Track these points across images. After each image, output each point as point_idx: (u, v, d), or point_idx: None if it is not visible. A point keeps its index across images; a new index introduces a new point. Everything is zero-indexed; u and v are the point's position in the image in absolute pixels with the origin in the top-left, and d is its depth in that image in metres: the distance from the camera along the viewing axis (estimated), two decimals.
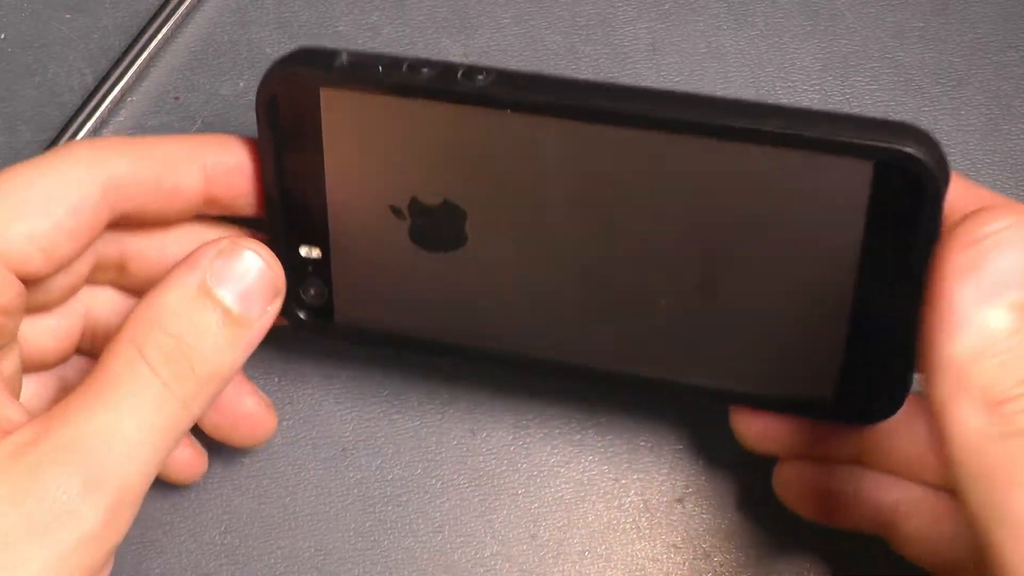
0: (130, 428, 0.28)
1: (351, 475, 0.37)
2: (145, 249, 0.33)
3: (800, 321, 0.31)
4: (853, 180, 0.29)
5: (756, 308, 0.31)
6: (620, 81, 0.37)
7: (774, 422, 0.33)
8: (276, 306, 0.31)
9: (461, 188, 0.32)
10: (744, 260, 0.31)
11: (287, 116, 0.32)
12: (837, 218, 0.29)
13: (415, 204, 0.32)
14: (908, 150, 0.28)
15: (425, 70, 0.30)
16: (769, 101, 0.31)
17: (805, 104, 0.39)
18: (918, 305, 0.28)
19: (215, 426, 0.35)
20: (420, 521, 0.37)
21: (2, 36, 0.41)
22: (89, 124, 0.39)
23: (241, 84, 0.40)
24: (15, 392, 0.32)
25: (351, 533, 0.36)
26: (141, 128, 0.40)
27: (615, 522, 0.36)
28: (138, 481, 0.28)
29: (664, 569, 0.36)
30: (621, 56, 0.40)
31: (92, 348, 0.35)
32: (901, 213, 0.29)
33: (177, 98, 0.40)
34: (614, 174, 0.31)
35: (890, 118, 0.29)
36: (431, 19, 0.41)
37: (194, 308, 0.30)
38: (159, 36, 0.40)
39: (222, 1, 0.41)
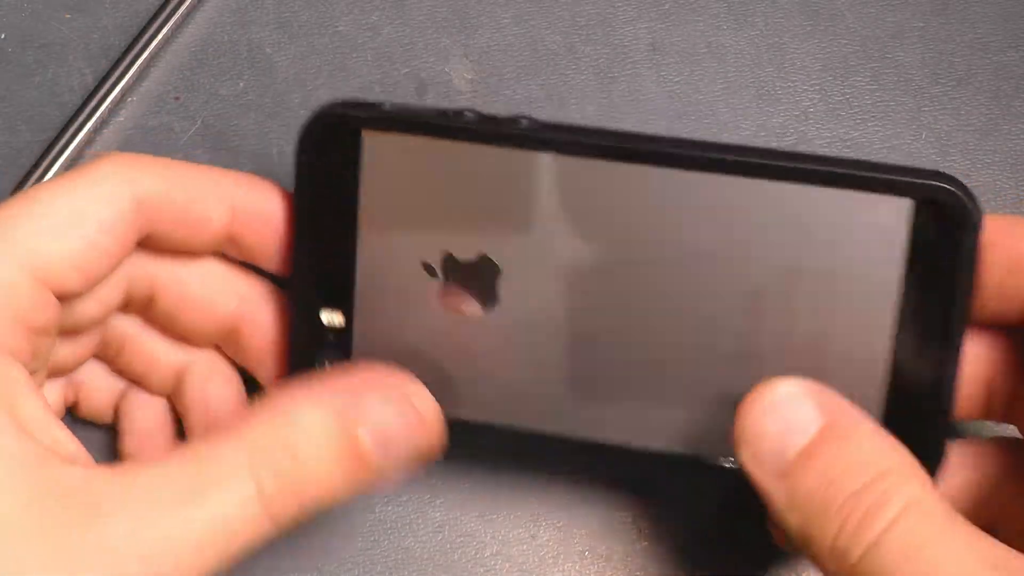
0: (212, 531, 0.26)
1: None
2: (172, 285, 0.33)
3: (834, 375, 0.30)
4: (892, 220, 0.29)
5: (790, 362, 0.31)
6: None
7: None
8: (409, 467, 0.29)
9: (497, 239, 0.31)
10: (780, 310, 0.30)
11: (326, 163, 0.31)
12: (874, 261, 0.30)
13: (449, 260, 0.32)
14: (947, 186, 0.29)
15: (468, 114, 0.31)
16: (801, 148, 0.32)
17: (805, 104, 0.39)
18: (957, 353, 0.29)
19: None
20: (420, 521, 0.37)
21: (2, 36, 0.41)
22: (89, 124, 0.39)
23: (241, 84, 0.40)
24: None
25: (351, 533, 0.36)
26: (141, 128, 0.40)
27: (615, 522, 0.36)
28: None
29: (665, 569, 0.36)
30: (621, 56, 0.40)
31: (105, 354, 0.35)
32: (940, 254, 0.29)
33: (177, 98, 0.40)
34: (650, 219, 0.30)
35: (922, 166, 0.30)
36: (431, 19, 0.41)
37: (331, 438, 0.28)
38: (159, 36, 0.40)
39: (222, 1, 0.41)
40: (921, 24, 0.40)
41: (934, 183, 0.29)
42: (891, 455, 0.27)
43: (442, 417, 0.30)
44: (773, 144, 0.39)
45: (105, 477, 0.27)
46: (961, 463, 0.32)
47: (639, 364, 0.31)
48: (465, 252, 0.31)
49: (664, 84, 0.40)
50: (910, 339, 0.30)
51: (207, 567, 0.27)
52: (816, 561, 0.27)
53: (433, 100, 0.40)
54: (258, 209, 0.32)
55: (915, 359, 0.30)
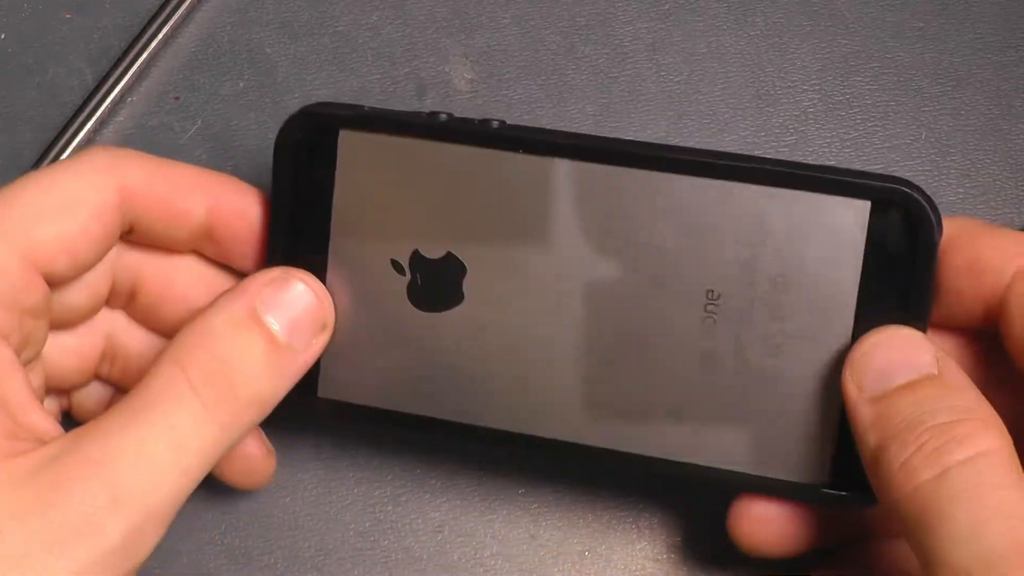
0: (163, 448, 0.28)
1: (351, 475, 0.37)
2: (155, 277, 0.34)
3: (793, 388, 0.31)
4: (850, 221, 0.30)
5: (748, 368, 0.31)
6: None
7: (771, 524, 0.32)
8: (322, 340, 0.32)
9: (463, 238, 0.32)
10: (739, 313, 0.31)
11: (303, 161, 0.32)
12: (833, 263, 0.30)
13: (416, 257, 0.32)
14: (904, 188, 0.29)
15: (443, 116, 0.32)
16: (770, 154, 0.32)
17: (805, 104, 0.39)
18: None
19: None
20: (420, 521, 0.37)
21: (2, 36, 0.41)
22: (89, 124, 0.39)
23: (241, 84, 0.40)
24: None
25: (351, 533, 0.36)
26: (141, 128, 0.40)
27: (615, 522, 0.36)
28: (166, 502, 0.28)
29: (664, 569, 0.36)
30: (621, 56, 0.40)
31: (110, 374, 0.35)
32: (897, 257, 0.30)
33: (177, 98, 0.40)
34: (614, 219, 0.31)
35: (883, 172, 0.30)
36: (431, 19, 0.41)
37: (241, 333, 0.30)
38: (159, 36, 0.40)
39: (222, 1, 0.41)
40: (921, 24, 0.40)
41: (891, 185, 0.29)
42: (988, 410, 0.28)
43: (330, 299, 0.32)
44: (773, 144, 0.39)
45: (60, 437, 0.28)
46: None
47: (598, 364, 0.32)
48: (433, 251, 0.32)
49: (664, 84, 0.40)
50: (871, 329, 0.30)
51: (167, 483, 0.28)
52: (880, 480, 0.28)
53: (433, 100, 0.40)
54: (236, 208, 0.33)
55: None
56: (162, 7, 0.40)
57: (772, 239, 0.30)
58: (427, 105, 0.40)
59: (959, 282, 0.30)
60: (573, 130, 0.33)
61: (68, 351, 0.33)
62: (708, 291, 0.31)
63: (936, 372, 0.29)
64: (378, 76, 0.40)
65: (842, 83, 0.40)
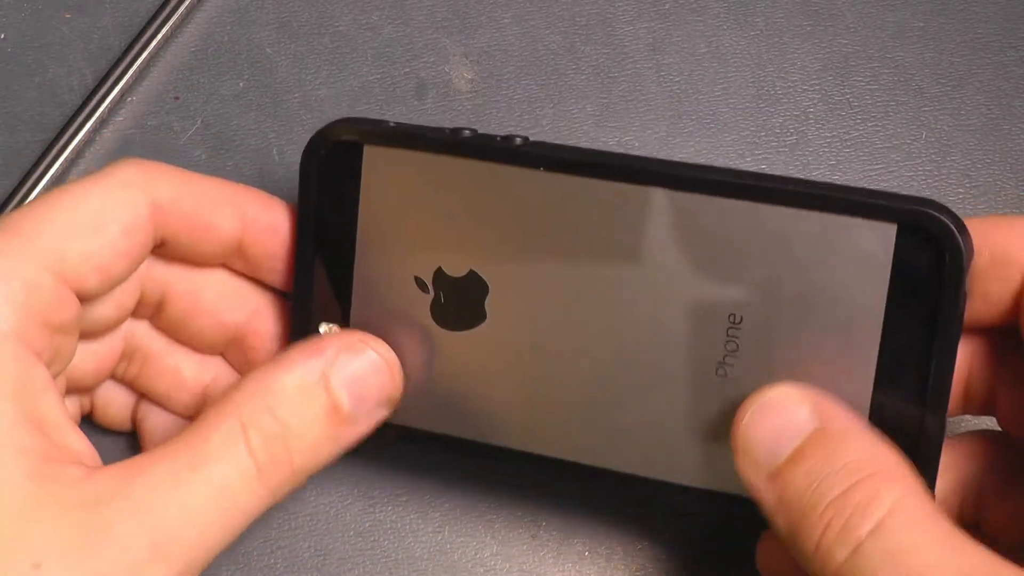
0: (212, 506, 0.28)
1: (351, 475, 0.37)
2: (183, 291, 0.34)
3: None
4: (876, 244, 0.29)
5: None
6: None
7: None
8: (384, 412, 0.31)
9: (487, 257, 0.32)
10: (762, 336, 0.30)
11: (329, 178, 0.32)
12: (858, 286, 0.29)
13: (440, 275, 0.32)
14: (932, 211, 0.28)
15: (467, 132, 0.31)
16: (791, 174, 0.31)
17: (805, 104, 0.40)
18: (945, 384, 0.29)
19: None
20: (420, 521, 0.37)
21: (2, 36, 0.41)
22: (89, 124, 0.39)
23: (241, 84, 0.40)
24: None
25: (351, 533, 0.36)
26: (141, 128, 0.40)
27: (616, 522, 0.36)
28: (206, 556, 0.28)
29: (665, 569, 0.36)
30: (621, 56, 0.40)
31: (126, 374, 0.35)
32: (924, 281, 0.28)
33: (177, 98, 0.40)
34: (637, 240, 0.30)
35: (914, 194, 0.29)
36: (431, 19, 0.41)
37: (309, 399, 0.30)
38: (159, 36, 0.40)
39: (222, 1, 0.41)
40: (921, 24, 0.40)
41: (918, 208, 0.28)
42: (880, 458, 0.27)
43: (400, 372, 0.32)
44: (773, 144, 0.39)
45: (109, 470, 0.28)
46: (944, 464, 0.32)
47: (622, 386, 0.31)
48: (456, 268, 0.32)
49: (664, 84, 0.40)
50: (897, 363, 0.29)
51: (210, 540, 0.28)
52: (803, 563, 0.27)
53: (433, 100, 0.40)
54: (267, 223, 0.33)
55: (902, 383, 0.29)
56: (162, 7, 0.40)
57: (796, 261, 0.29)
58: (427, 105, 0.40)
59: (984, 283, 0.30)
60: (593, 146, 0.32)
61: (87, 355, 0.33)
62: (731, 315, 0.30)
63: (818, 425, 0.28)
64: (378, 76, 0.40)
65: (842, 83, 0.40)
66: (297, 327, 0.33)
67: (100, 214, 0.30)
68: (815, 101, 0.40)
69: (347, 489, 0.37)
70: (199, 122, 0.40)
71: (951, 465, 0.32)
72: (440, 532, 0.36)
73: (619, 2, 0.41)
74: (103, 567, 0.26)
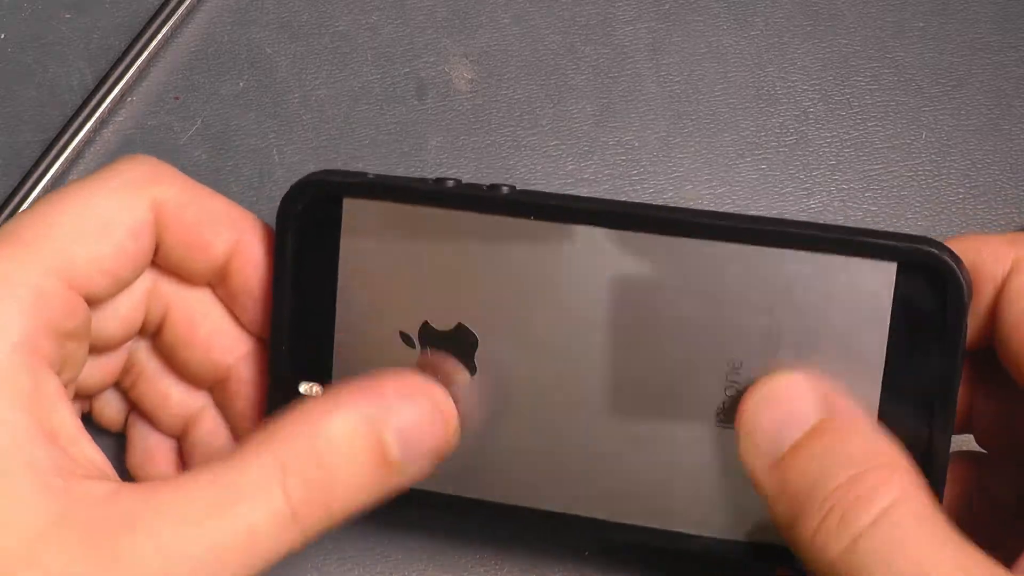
0: (237, 547, 0.26)
1: None
2: (182, 320, 0.33)
3: None
4: (876, 283, 0.28)
5: None
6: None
7: None
8: (431, 465, 0.29)
9: (474, 309, 0.31)
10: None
11: (307, 231, 0.31)
12: (858, 327, 0.29)
13: (426, 329, 0.31)
14: (932, 249, 0.28)
15: (450, 183, 0.30)
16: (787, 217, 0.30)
17: (805, 104, 0.40)
18: (948, 422, 0.28)
19: None
20: (420, 521, 0.37)
21: (2, 36, 0.41)
22: (89, 124, 0.39)
23: (241, 84, 0.40)
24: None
25: (351, 533, 0.36)
26: (141, 128, 0.40)
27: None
28: None
29: (665, 569, 0.36)
30: (621, 56, 0.40)
31: (122, 383, 0.35)
32: (925, 319, 0.28)
33: (177, 98, 0.40)
34: (631, 286, 0.30)
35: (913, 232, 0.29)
36: (431, 19, 0.41)
37: (357, 446, 0.28)
38: (159, 36, 0.40)
39: (222, 1, 0.41)
40: (921, 24, 0.40)
41: (917, 246, 0.28)
42: (884, 452, 0.27)
43: (456, 414, 0.30)
44: (773, 144, 0.39)
45: (131, 493, 0.26)
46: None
47: (618, 438, 0.30)
48: (443, 322, 0.31)
49: (664, 84, 0.40)
50: (899, 401, 0.29)
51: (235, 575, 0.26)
52: (799, 552, 0.27)
53: (433, 100, 0.40)
54: (255, 256, 0.32)
55: (904, 421, 0.29)
56: (162, 7, 0.40)
57: (795, 304, 0.29)
58: (427, 105, 0.40)
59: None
60: (584, 193, 0.31)
61: (95, 366, 0.33)
62: (730, 361, 0.29)
63: (825, 416, 0.28)
64: (378, 76, 0.40)
65: (842, 83, 0.40)
66: (276, 384, 0.32)
67: (106, 217, 0.30)
68: (815, 101, 0.40)
69: None
70: (199, 122, 0.40)
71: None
72: (440, 532, 0.36)
73: (619, 2, 0.41)
74: None
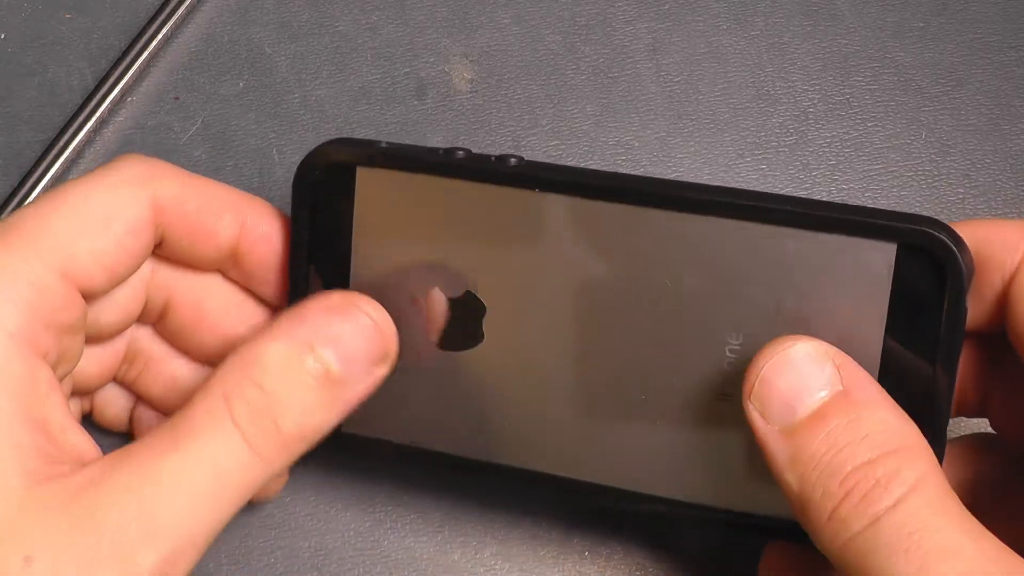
0: (201, 478, 0.27)
1: (351, 475, 0.37)
2: (186, 300, 0.33)
3: None
4: (876, 263, 0.28)
5: None
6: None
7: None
8: (381, 372, 0.30)
9: (483, 278, 0.31)
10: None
11: (321, 198, 0.32)
12: (858, 305, 0.29)
13: (436, 297, 0.32)
14: (932, 230, 0.28)
15: (460, 154, 0.31)
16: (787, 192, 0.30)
17: (805, 104, 0.40)
18: (946, 402, 0.28)
19: None
20: (420, 521, 0.37)
21: (2, 36, 0.41)
22: (89, 124, 0.39)
23: (241, 84, 0.40)
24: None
25: (351, 533, 0.36)
26: (141, 128, 0.40)
27: (616, 522, 0.36)
28: (201, 533, 0.27)
29: (664, 568, 0.36)
30: (621, 56, 0.40)
31: (126, 376, 0.35)
32: (924, 301, 0.28)
33: (177, 98, 0.40)
34: (635, 260, 0.30)
35: (914, 212, 0.29)
36: (431, 19, 0.41)
37: (293, 366, 0.29)
38: (159, 36, 0.40)
39: (222, 1, 0.41)
40: (921, 24, 0.40)
41: (918, 228, 0.28)
42: (905, 432, 0.27)
43: (393, 328, 0.30)
44: (773, 144, 0.39)
45: (98, 460, 0.28)
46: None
47: (622, 406, 0.31)
48: (452, 289, 0.32)
49: (664, 84, 0.40)
50: (898, 379, 0.29)
51: (201, 515, 0.27)
52: (809, 526, 0.27)
53: (433, 100, 0.40)
54: (264, 233, 0.33)
55: (904, 396, 0.29)
56: (162, 7, 0.40)
57: (796, 281, 0.29)
58: (427, 105, 0.40)
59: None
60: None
61: (91, 358, 0.33)
62: (731, 333, 0.30)
63: (841, 388, 0.28)
64: (378, 76, 0.40)
65: (842, 83, 0.40)
66: None
67: (105, 212, 0.30)
68: (815, 101, 0.40)
69: (347, 489, 0.37)
70: (199, 122, 0.40)
71: (946, 470, 0.32)
72: (440, 532, 0.36)
73: (619, 2, 0.41)
74: (92, 553, 0.26)
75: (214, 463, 0.27)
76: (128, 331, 0.34)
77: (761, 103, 0.40)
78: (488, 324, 0.32)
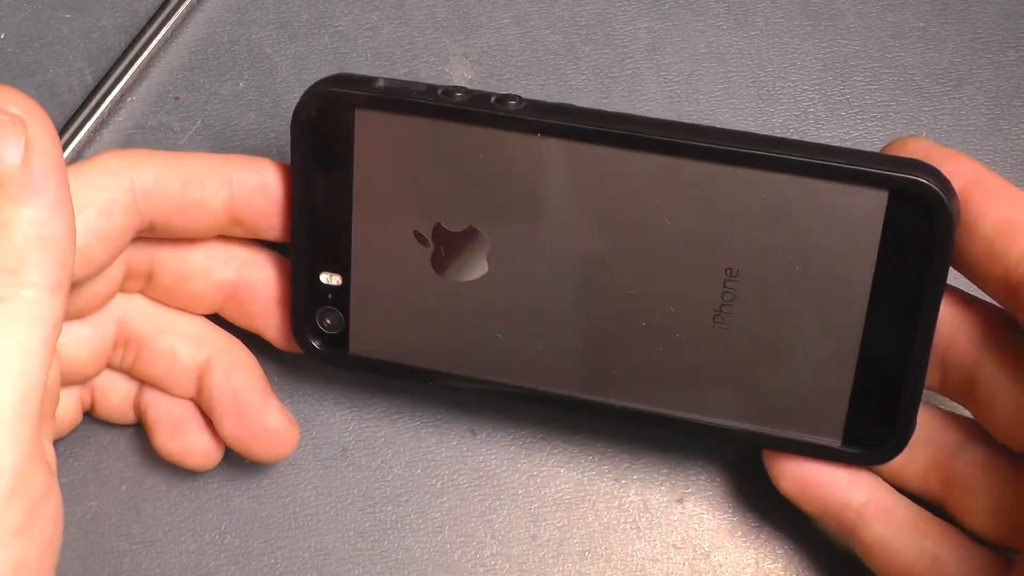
0: None
1: (351, 475, 0.37)
2: (171, 261, 0.34)
3: (808, 356, 0.32)
4: (867, 210, 0.30)
5: (766, 341, 0.32)
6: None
7: (811, 473, 0.33)
8: (46, 145, 0.28)
9: (485, 214, 0.32)
10: (757, 290, 0.31)
11: (321, 138, 0.32)
12: (849, 249, 0.30)
13: (439, 230, 0.33)
14: (923, 179, 0.29)
15: (459, 95, 0.31)
16: (780, 135, 0.31)
17: (805, 104, 0.40)
18: (926, 343, 0.30)
19: (236, 439, 0.35)
20: (420, 521, 0.37)
21: (1, 36, 0.41)
22: (89, 124, 0.39)
23: (241, 84, 0.40)
24: (54, 404, 0.32)
25: (351, 533, 0.36)
26: (141, 128, 0.40)
27: (615, 522, 0.36)
28: (5, 406, 0.26)
29: (664, 569, 0.36)
30: (621, 56, 0.40)
31: (123, 362, 0.35)
32: (913, 246, 0.30)
33: (177, 98, 0.40)
34: (635, 201, 0.31)
35: (901, 157, 0.30)
36: (431, 19, 0.41)
37: None
38: (159, 36, 0.40)
39: (222, 1, 0.41)
40: (921, 24, 0.40)
41: (909, 176, 0.29)
42: None
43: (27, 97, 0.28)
44: None
45: None
46: (924, 435, 0.33)
47: (619, 330, 0.32)
48: (455, 223, 0.32)
49: (664, 84, 0.40)
50: (883, 320, 0.31)
51: (16, 375, 0.26)
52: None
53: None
54: (255, 185, 0.33)
55: (887, 340, 0.31)
56: (162, 7, 0.40)
57: (790, 223, 0.30)
58: None
59: (982, 248, 0.30)
60: (590, 107, 0.32)
61: (81, 341, 0.33)
62: (727, 268, 0.31)
63: None
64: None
65: (842, 83, 0.40)
66: (298, 277, 0.34)
67: (76, 198, 0.30)
68: (815, 101, 0.40)
69: (347, 489, 0.37)
70: (199, 122, 0.40)
71: (931, 438, 0.33)
72: (440, 532, 0.36)
73: (619, 2, 0.41)
74: None
75: None
76: (117, 312, 0.34)
77: (761, 103, 0.40)
78: (491, 256, 0.32)
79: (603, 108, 0.32)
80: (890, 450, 0.32)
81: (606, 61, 0.40)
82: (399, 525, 0.37)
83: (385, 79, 0.32)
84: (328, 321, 0.34)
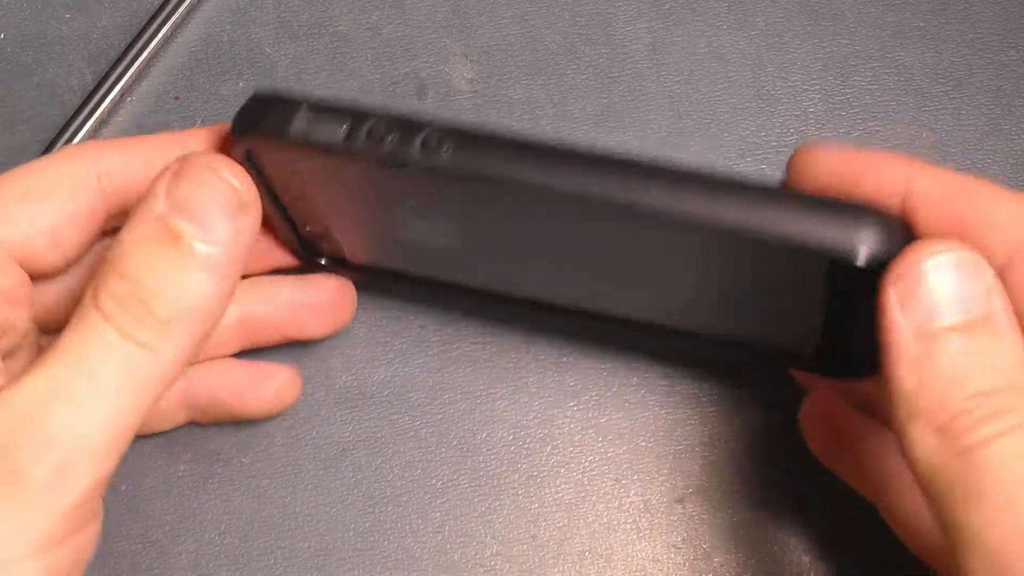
0: (81, 381, 0.26)
1: (351, 475, 0.37)
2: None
3: (781, 281, 0.30)
4: (811, 269, 0.29)
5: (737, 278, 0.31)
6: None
7: (840, 431, 0.33)
8: (247, 222, 0.29)
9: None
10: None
11: (250, 155, 0.31)
12: (799, 295, 0.30)
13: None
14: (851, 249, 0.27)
15: (390, 139, 0.29)
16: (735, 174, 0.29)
17: (805, 104, 0.39)
18: None
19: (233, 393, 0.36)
20: (420, 521, 0.37)
21: (1, 36, 0.41)
22: (89, 124, 0.39)
23: (241, 84, 0.40)
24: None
25: (351, 533, 0.36)
26: (141, 128, 0.40)
27: (615, 522, 0.36)
28: (96, 434, 0.26)
29: (664, 569, 0.36)
30: (621, 56, 0.40)
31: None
32: (857, 295, 0.28)
33: (177, 98, 0.40)
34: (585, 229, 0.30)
35: (846, 202, 0.27)
36: (431, 19, 0.41)
37: (151, 243, 0.27)
38: (159, 36, 0.40)
39: (222, 1, 0.41)
40: (921, 24, 0.40)
41: (844, 247, 0.27)
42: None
43: (245, 174, 0.29)
44: (773, 145, 0.39)
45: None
46: None
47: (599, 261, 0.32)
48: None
49: (664, 84, 0.40)
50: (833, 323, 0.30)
51: (99, 417, 0.26)
52: (909, 427, 0.26)
53: (433, 100, 0.40)
54: (210, 149, 0.32)
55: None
56: (162, 7, 0.40)
57: (741, 275, 0.30)
58: (427, 105, 0.40)
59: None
60: (593, 146, 0.29)
61: (61, 299, 0.33)
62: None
63: (988, 310, 0.26)
64: (378, 76, 0.40)
65: (842, 83, 0.40)
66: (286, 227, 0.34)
67: (44, 184, 0.30)
68: (815, 101, 0.40)
69: (347, 489, 0.37)
70: (199, 122, 0.40)
71: None
72: (440, 532, 0.36)
73: (619, 2, 0.41)
74: (14, 507, 0.26)
75: (88, 362, 0.26)
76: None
77: (761, 103, 0.40)
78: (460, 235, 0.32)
79: (606, 141, 0.31)
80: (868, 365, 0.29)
81: (606, 61, 0.40)
82: (399, 525, 0.37)
83: (311, 105, 0.29)
84: (325, 247, 0.35)
